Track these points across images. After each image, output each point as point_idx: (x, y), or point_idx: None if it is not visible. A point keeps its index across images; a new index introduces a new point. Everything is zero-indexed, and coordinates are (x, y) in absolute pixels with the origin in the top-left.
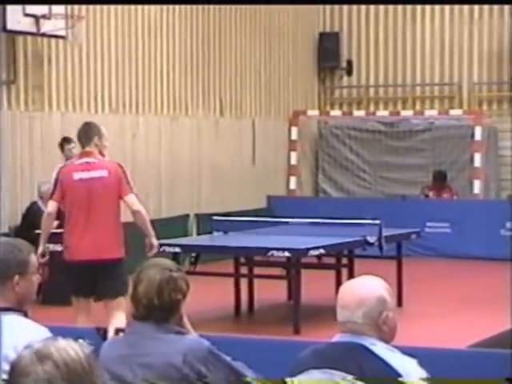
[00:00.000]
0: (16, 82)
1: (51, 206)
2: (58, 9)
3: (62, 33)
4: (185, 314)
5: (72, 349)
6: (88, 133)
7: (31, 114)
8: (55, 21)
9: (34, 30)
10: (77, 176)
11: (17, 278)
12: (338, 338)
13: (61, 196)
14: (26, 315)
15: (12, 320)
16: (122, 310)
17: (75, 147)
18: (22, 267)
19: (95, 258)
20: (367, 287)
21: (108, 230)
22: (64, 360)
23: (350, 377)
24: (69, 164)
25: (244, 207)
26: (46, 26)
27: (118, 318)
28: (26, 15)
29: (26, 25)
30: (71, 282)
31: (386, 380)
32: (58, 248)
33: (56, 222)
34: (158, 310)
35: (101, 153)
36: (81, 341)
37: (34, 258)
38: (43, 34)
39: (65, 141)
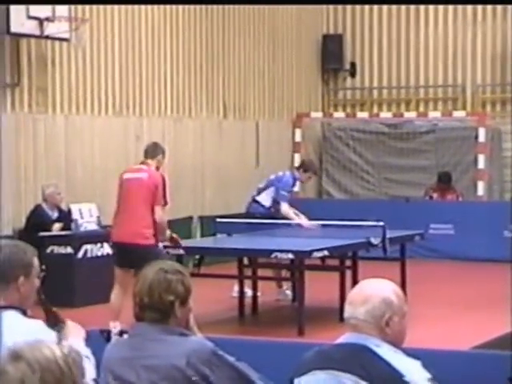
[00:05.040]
0: (20, 84)
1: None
2: (62, 11)
3: (66, 35)
4: (192, 317)
5: (48, 348)
6: (156, 150)
7: (35, 116)
8: (59, 23)
9: (37, 32)
10: (126, 176)
11: (22, 279)
12: (342, 338)
13: (119, 194)
14: (25, 313)
15: (11, 316)
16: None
17: None
18: (27, 269)
19: (123, 241)
20: (376, 287)
21: (136, 221)
22: (37, 359)
23: (354, 378)
24: (128, 167)
25: None
26: (50, 29)
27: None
28: (30, 18)
29: (30, 27)
30: (114, 257)
31: (390, 382)
32: (62, 250)
33: (59, 225)
34: (149, 310)
35: (157, 167)
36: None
37: (36, 261)
38: (47, 37)
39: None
